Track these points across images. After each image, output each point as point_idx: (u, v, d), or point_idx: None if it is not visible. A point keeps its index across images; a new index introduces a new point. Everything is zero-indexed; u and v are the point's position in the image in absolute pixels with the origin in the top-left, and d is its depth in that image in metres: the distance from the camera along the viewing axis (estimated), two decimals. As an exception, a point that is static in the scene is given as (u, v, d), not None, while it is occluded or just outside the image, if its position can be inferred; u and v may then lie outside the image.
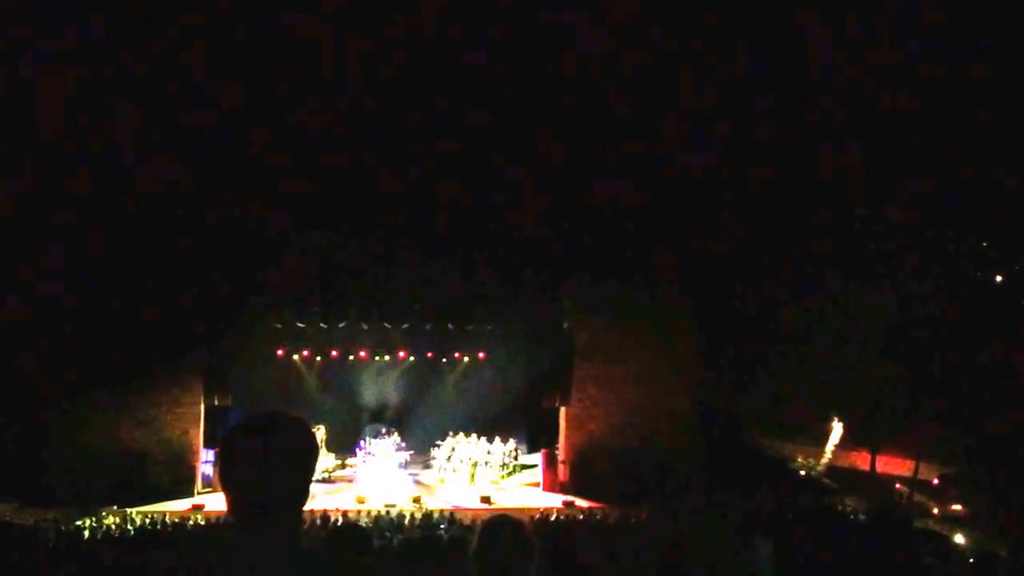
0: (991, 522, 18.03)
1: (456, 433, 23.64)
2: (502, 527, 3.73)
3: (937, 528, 16.96)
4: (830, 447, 23.09)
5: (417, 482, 22.74)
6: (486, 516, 4.03)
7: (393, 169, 20.83)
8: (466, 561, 3.75)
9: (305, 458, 2.79)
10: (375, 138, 19.91)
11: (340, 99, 19.29)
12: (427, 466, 24.09)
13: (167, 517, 17.49)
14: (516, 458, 23.90)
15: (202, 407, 21.41)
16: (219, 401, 21.34)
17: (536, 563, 3.65)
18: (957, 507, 19.26)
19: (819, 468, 23.02)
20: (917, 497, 20.07)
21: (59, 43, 17.51)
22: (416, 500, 20.04)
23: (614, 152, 20.70)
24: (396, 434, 23.87)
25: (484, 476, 22.62)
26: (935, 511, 19.31)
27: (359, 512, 18.52)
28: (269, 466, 2.64)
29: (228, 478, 2.70)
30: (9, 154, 18.75)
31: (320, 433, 23.15)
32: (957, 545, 15.78)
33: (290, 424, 2.81)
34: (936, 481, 20.90)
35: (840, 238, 22.04)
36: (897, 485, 20.78)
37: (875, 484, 21.11)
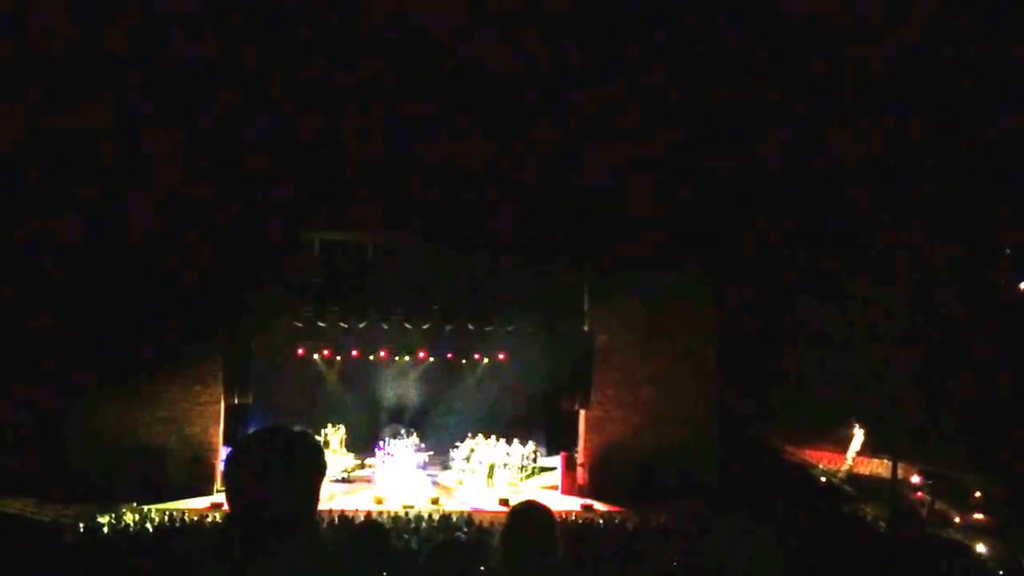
0: (1014, 531, 17.85)
1: (475, 434, 23.66)
2: (531, 513, 3.84)
3: (959, 537, 16.79)
4: (851, 454, 22.91)
5: (435, 483, 22.70)
6: (515, 504, 4.11)
7: (416, 170, 20.82)
8: (488, 556, 3.81)
9: (308, 475, 2.77)
10: (393, 136, 19.91)
11: (353, 97, 19.31)
12: (446, 467, 24.08)
13: (186, 515, 17.54)
14: (535, 460, 23.87)
15: (222, 405, 21.44)
16: (239, 399, 21.35)
17: (561, 550, 3.73)
18: (979, 516, 19.06)
19: (840, 475, 22.84)
20: (939, 505, 19.87)
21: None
22: (434, 501, 20.02)
23: (638, 154, 20.63)
24: (415, 435, 23.91)
25: (503, 478, 22.58)
26: (956, 520, 19.12)
27: (378, 513, 18.53)
28: (271, 483, 2.66)
29: (232, 494, 2.72)
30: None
31: (340, 433, 23.25)
32: (979, 555, 15.62)
33: (294, 440, 2.80)
34: (917, 479, 20.70)
35: (863, 241, 21.88)
36: (919, 493, 20.58)
37: (896, 492, 20.92)
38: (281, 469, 2.68)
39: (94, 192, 20.35)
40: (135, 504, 18.26)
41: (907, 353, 21.18)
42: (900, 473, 21.21)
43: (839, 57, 18.63)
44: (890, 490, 20.92)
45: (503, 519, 3.94)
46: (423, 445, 23.66)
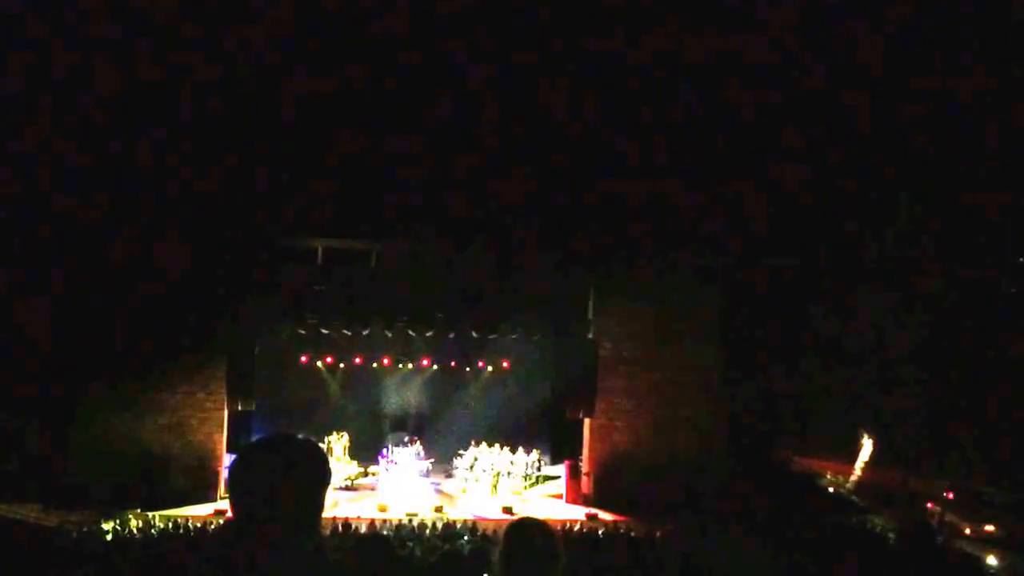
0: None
1: (479, 442, 23.52)
2: (529, 530, 3.68)
3: (969, 549, 16.64)
4: (860, 464, 22.76)
5: (439, 491, 22.58)
6: (512, 520, 3.96)
7: (419, 175, 20.76)
8: (492, 565, 3.70)
9: (312, 483, 2.75)
10: (396, 142, 19.86)
11: (353, 100, 19.27)
12: (449, 475, 23.94)
13: (189, 521, 17.47)
14: (539, 469, 23.75)
15: (225, 412, 21.39)
16: (243, 406, 21.31)
17: (562, 566, 3.59)
18: (990, 528, 18.92)
19: (849, 485, 22.69)
20: (949, 517, 19.74)
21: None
22: (438, 509, 19.93)
23: (646, 162, 20.57)
24: (419, 442, 23.77)
25: (506, 486, 22.46)
26: (967, 531, 18.98)
27: (381, 521, 18.45)
28: (275, 490, 2.64)
29: (235, 501, 2.70)
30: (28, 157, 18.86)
31: (343, 440, 23.13)
32: (990, 567, 15.48)
33: (298, 447, 2.79)
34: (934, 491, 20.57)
35: (872, 250, 21.79)
36: (929, 504, 20.45)
37: (906, 502, 20.79)
38: (285, 477, 2.66)
39: (100, 200, 20.31)
40: (139, 511, 18.23)
41: (917, 363, 21.08)
42: (910, 484, 21.08)
43: (848, 68, 18.58)
44: (901, 501, 20.80)
45: (507, 524, 3.81)
46: (426, 453, 23.54)
